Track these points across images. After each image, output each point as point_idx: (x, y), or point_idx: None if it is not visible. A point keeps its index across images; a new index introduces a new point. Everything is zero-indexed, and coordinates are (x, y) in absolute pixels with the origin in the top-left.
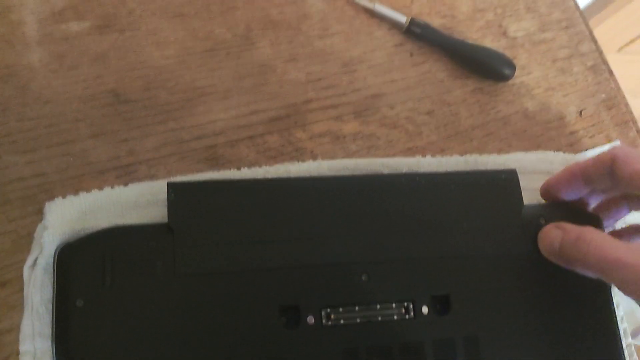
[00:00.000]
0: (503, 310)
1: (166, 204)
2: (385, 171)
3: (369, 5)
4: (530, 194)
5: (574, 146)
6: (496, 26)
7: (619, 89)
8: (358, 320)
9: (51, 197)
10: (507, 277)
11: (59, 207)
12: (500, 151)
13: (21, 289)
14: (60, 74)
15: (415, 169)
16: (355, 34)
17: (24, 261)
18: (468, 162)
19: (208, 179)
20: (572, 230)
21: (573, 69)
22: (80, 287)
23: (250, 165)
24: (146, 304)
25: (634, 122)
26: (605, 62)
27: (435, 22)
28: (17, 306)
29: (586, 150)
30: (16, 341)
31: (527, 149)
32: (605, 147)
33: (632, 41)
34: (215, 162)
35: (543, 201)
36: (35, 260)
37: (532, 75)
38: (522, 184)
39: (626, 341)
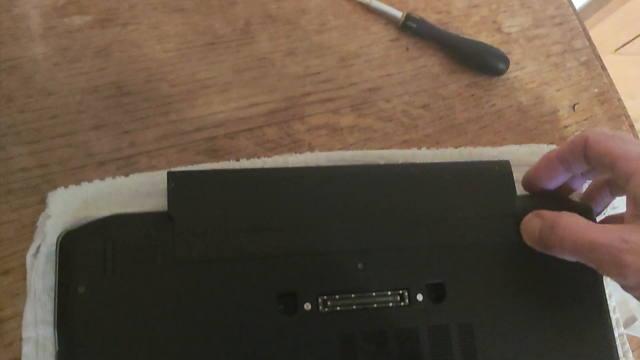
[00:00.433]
0: (497, 298)
1: (166, 193)
2: (382, 162)
3: (366, 0)
4: None
5: (567, 140)
6: (491, 22)
7: (611, 84)
8: (354, 307)
9: (54, 187)
10: (500, 266)
11: (62, 196)
12: (494, 144)
13: (24, 277)
14: (64, 67)
15: (410, 161)
16: (352, 29)
17: (26, 250)
18: (462, 155)
19: (207, 168)
20: (549, 216)
21: (566, 64)
22: (82, 274)
23: (249, 156)
24: (146, 290)
25: (627, 116)
26: (598, 58)
27: (431, 17)
28: (20, 294)
29: None
30: (19, 328)
31: (520, 142)
32: None
33: (628, 42)
34: (214, 154)
35: None
36: (38, 248)
37: (526, 70)
38: (515, 176)
39: (618, 331)
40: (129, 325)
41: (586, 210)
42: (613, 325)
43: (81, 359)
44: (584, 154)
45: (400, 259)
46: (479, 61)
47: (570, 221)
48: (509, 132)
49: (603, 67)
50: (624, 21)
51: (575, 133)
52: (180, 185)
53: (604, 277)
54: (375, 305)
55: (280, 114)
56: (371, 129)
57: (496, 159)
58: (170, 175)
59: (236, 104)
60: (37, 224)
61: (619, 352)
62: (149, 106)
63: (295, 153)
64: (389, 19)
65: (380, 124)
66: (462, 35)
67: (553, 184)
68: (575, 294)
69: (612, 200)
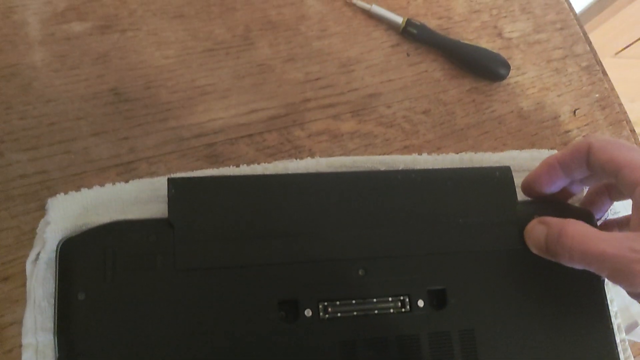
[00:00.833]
0: (498, 304)
1: (166, 200)
2: (382, 168)
3: (366, 6)
4: None
5: (568, 145)
6: (491, 27)
7: (612, 89)
8: (355, 314)
9: (53, 194)
10: (502, 272)
11: (61, 203)
12: (495, 150)
13: (24, 284)
14: (63, 74)
15: (411, 167)
16: (353, 35)
17: (26, 256)
18: (463, 160)
19: (208, 175)
20: (555, 224)
21: (567, 70)
22: (82, 281)
23: (250, 162)
24: (146, 297)
25: (628, 121)
26: (599, 63)
27: (432, 23)
28: (19, 300)
29: None
30: (19, 334)
31: (521, 147)
32: None
33: (628, 46)
34: (214, 160)
35: None
36: (38, 255)
37: (526, 75)
38: (516, 181)
39: (620, 337)
40: (128, 332)
41: (587, 215)
42: (615, 331)
43: None
44: (587, 161)
45: (401, 265)
46: (479, 66)
47: (578, 230)
48: (509, 137)
49: (604, 72)
50: (624, 25)
51: (577, 138)
52: (180, 191)
53: (605, 282)
54: (376, 312)
55: (281, 120)
56: (372, 135)
57: (497, 165)
58: (171, 181)
59: (236, 110)
60: (37, 230)
61: (620, 358)
62: (148, 112)
63: (296, 159)
64: (389, 25)
65: (381, 129)
66: (462, 41)
67: (553, 188)
68: (577, 300)
69: (611, 205)
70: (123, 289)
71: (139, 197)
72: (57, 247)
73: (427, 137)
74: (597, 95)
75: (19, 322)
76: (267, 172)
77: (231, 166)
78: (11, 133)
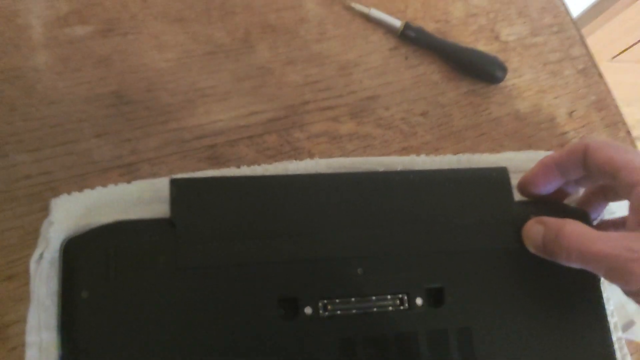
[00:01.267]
0: (495, 303)
1: (168, 200)
2: (381, 169)
3: (365, 10)
4: None
5: (564, 146)
6: (488, 30)
7: (609, 91)
8: (354, 312)
9: (57, 195)
10: (499, 271)
11: (65, 203)
12: (492, 151)
13: (27, 283)
14: (65, 76)
15: (409, 168)
16: (352, 38)
17: (30, 256)
18: (461, 161)
19: (209, 175)
20: (553, 224)
21: (564, 72)
22: (85, 280)
23: (250, 164)
24: (149, 296)
25: (624, 123)
26: (595, 66)
27: (429, 26)
28: (23, 299)
29: None
30: (23, 333)
31: (518, 149)
32: None
33: (624, 50)
34: (215, 161)
35: None
36: (41, 254)
37: (523, 78)
38: (513, 182)
39: (616, 335)
40: (131, 330)
41: (583, 216)
42: (611, 329)
43: None
44: (583, 162)
45: (399, 264)
46: (477, 69)
47: (575, 230)
48: (506, 139)
49: (600, 75)
50: (620, 29)
51: (573, 140)
52: (182, 192)
53: (601, 281)
54: (375, 310)
55: (280, 122)
56: (370, 137)
57: (494, 166)
58: (173, 182)
59: (236, 113)
60: (41, 230)
61: (617, 356)
62: (149, 115)
63: (295, 160)
64: (388, 28)
65: (379, 131)
66: (460, 44)
67: (548, 188)
68: (573, 298)
69: (606, 206)
70: (126, 287)
71: (141, 198)
72: (61, 246)
73: (425, 138)
74: (593, 98)
75: (22, 321)
76: (267, 173)
77: (232, 167)
78: (15, 134)
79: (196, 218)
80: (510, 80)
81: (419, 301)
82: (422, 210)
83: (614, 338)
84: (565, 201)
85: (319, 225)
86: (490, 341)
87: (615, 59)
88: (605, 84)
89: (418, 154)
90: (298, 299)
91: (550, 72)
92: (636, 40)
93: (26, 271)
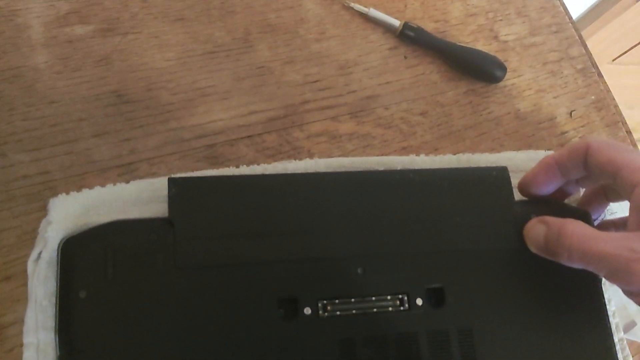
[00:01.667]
0: (496, 303)
1: (166, 200)
2: (380, 169)
3: (364, 10)
4: None
5: (565, 145)
6: (487, 30)
7: (608, 91)
8: (354, 312)
9: (55, 195)
10: (499, 271)
11: (63, 203)
12: (492, 151)
13: (25, 283)
14: (65, 75)
15: (409, 167)
16: (351, 38)
17: (28, 256)
18: (460, 161)
19: (208, 175)
20: (554, 224)
21: (563, 72)
22: (83, 279)
23: (249, 163)
24: (147, 295)
25: (624, 122)
26: (594, 65)
27: (429, 26)
28: (21, 299)
29: None
30: (20, 334)
31: (518, 148)
32: None
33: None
34: (215, 161)
35: None
36: (39, 254)
37: (523, 78)
38: (513, 182)
39: (618, 336)
40: (129, 330)
41: (584, 216)
42: (613, 330)
43: None
44: (584, 161)
45: (399, 264)
46: (476, 69)
47: (577, 230)
48: (506, 138)
49: (599, 75)
50: (620, 31)
51: (573, 139)
52: (181, 191)
53: (602, 281)
54: (375, 310)
55: (280, 121)
56: (370, 136)
57: (494, 165)
58: (171, 181)
59: (236, 112)
60: (39, 230)
61: (619, 357)
62: (149, 114)
63: (295, 160)
64: (387, 28)
65: (379, 130)
66: (459, 44)
67: (549, 188)
68: (575, 298)
69: (607, 206)
70: (124, 287)
71: (139, 197)
72: (59, 246)
73: (425, 138)
74: (593, 97)
75: (20, 322)
76: (267, 173)
77: (231, 167)
78: (14, 134)
79: (195, 217)
80: (509, 79)
81: (419, 301)
82: (422, 210)
83: (616, 339)
84: (566, 201)
85: (318, 225)
86: (491, 342)
87: (616, 61)
88: (604, 83)
89: (418, 153)
90: (298, 299)
91: (550, 71)
92: (636, 43)
93: (24, 271)
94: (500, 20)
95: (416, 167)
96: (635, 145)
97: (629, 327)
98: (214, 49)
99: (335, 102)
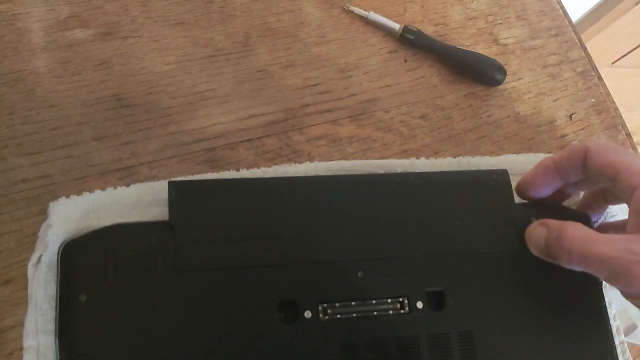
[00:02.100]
0: (497, 306)
1: (167, 203)
2: (381, 172)
3: (364, 13)
4: None
5: (564, 148)
6: (487, 33)
7: (608, 94)
8: (354, 315)
9: (55, 198)
10: (500, 274)
11: (63, 206)
12: (492, 153)
13: (25, 287)
14: (65, 79)
15: (409, 170)
16: (351, 41)
17: (28, 259)
18: (461, 164)
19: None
20: (555, 226)
21: (563, 75)
22: (84, 283)
23: (249, 166)
24: (147, 299)
25: (623, 125)
26: (594, 68)
27: (428, 29)
28: (21, 303)
29: None
30: (20, 337)
31: (518, 151)
32: None
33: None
34: (215, 164)
35: None
36: (40, 257)
37: (522, 81)
38: (513, 185)
39: (619, 339)
40: (130, 333)
41: (584, 218)
42: (613, 333)
43: None
44: (583, 164)
45: (399, 267)
46: (476, 72)
47: (577, 232)
48: (506, 141)
49: (599, 78)
50: (620, 34)
51: (573, 142)
52: (181, 194)
53: (603, 285)
54: (375, 313)
55: (280, 124)
56: (370, 139)
57: (494, 168)
58: (171, 184)
59: (236, 115)
60: (39, 233)
61: None
62: (149, 118)
63: (295, 163)
64: (387, 31)
65: (379, 134)
66: (459, 47)
67: (547, 190)
68: (575, 301)
69: (607, 209)
70: (124, 290)
71: (139, 201)
72: (59, 249)
73: (425, 141)
74: (592, 100)
75: (20, 325)
76: (267, 176)
77: (231, 170)
78: (14, 138)
79: (195, 221)
80: (509, 82)
81: (419, 304)
82: (422, 213)
83: (617, 342)
84: (565, 203)
85: (318, 228)
86: (491, 345)
87: (615, 64)
88: (604, 86)
89: (418, 156)
90: (298, 303)
91: (550, 74)
92: (636, 45)
93: (24, 275)
94: (500, 23)
95: (416, 170)
96: (635, 147)
97: (629, 330)
98: (214, 53)
99: (335, 105)
